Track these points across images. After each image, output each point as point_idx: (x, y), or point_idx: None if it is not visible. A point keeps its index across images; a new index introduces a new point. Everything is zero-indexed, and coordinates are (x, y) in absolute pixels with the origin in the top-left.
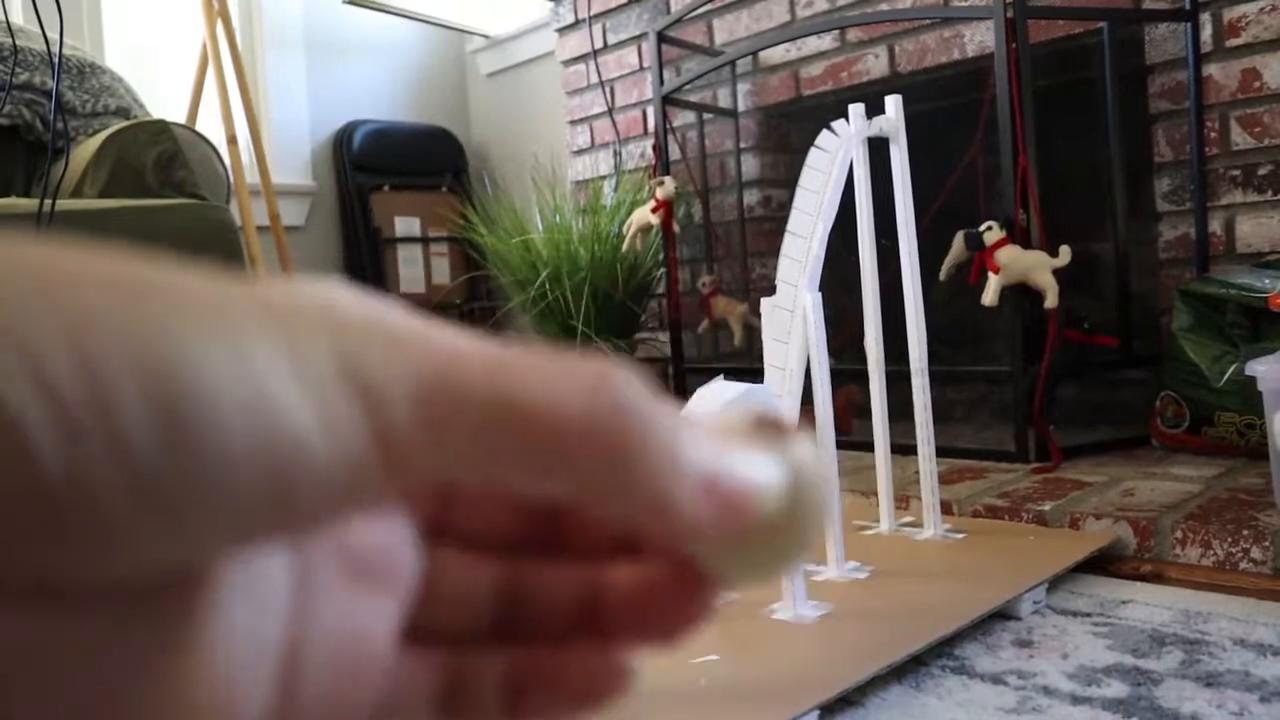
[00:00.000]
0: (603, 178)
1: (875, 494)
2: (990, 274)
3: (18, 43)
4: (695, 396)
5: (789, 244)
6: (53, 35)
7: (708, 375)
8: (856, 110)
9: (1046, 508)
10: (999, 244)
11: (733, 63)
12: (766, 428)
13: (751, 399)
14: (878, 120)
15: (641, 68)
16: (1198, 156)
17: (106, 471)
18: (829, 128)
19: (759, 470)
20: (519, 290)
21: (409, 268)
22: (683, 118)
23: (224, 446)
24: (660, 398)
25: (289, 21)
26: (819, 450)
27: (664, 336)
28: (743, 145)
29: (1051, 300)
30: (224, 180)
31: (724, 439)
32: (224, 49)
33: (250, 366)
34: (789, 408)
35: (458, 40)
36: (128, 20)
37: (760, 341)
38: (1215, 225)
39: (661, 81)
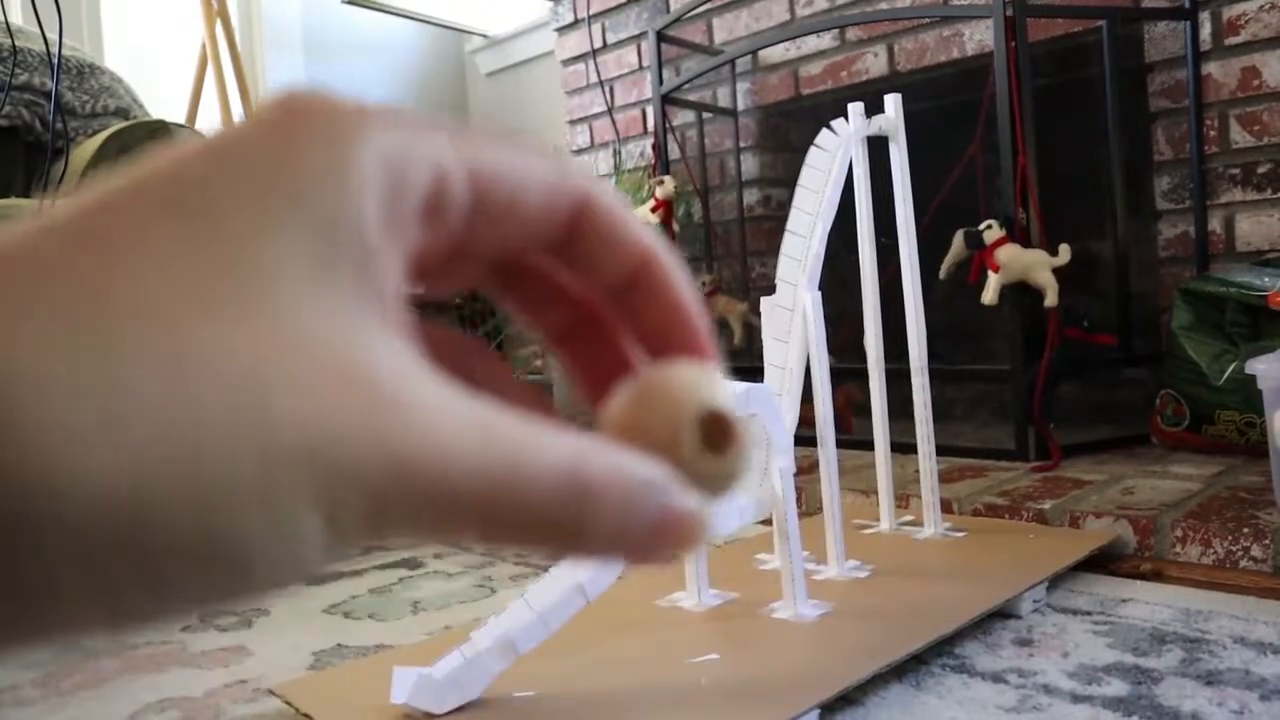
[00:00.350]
0: (603, 177)
1: (875, 493)
2: (990, 272)
3: (17, 43)
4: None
5: (789, 243)
6: (52, 36)
7: None
8: (856, 109)
9: (1046, 506)
10: (999, 242)
11: (732, 62)
12: (716, 412)
13: (751, 399)
14: (877, 119)
15: (641, 67)
16: (1197, 155)
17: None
18: (828, 127)
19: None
20: None
21: None
22: (682, 117)
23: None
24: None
25: (288, 21)
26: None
27: None
28: (742, 144)
29: (1051, 299)
30: None
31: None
32: (223, 49)
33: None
34: (789, 406)
35: (457, 40)
36: (127, 20)
37: (760, 340)
38: (1215, 223)
39: (661, 81)
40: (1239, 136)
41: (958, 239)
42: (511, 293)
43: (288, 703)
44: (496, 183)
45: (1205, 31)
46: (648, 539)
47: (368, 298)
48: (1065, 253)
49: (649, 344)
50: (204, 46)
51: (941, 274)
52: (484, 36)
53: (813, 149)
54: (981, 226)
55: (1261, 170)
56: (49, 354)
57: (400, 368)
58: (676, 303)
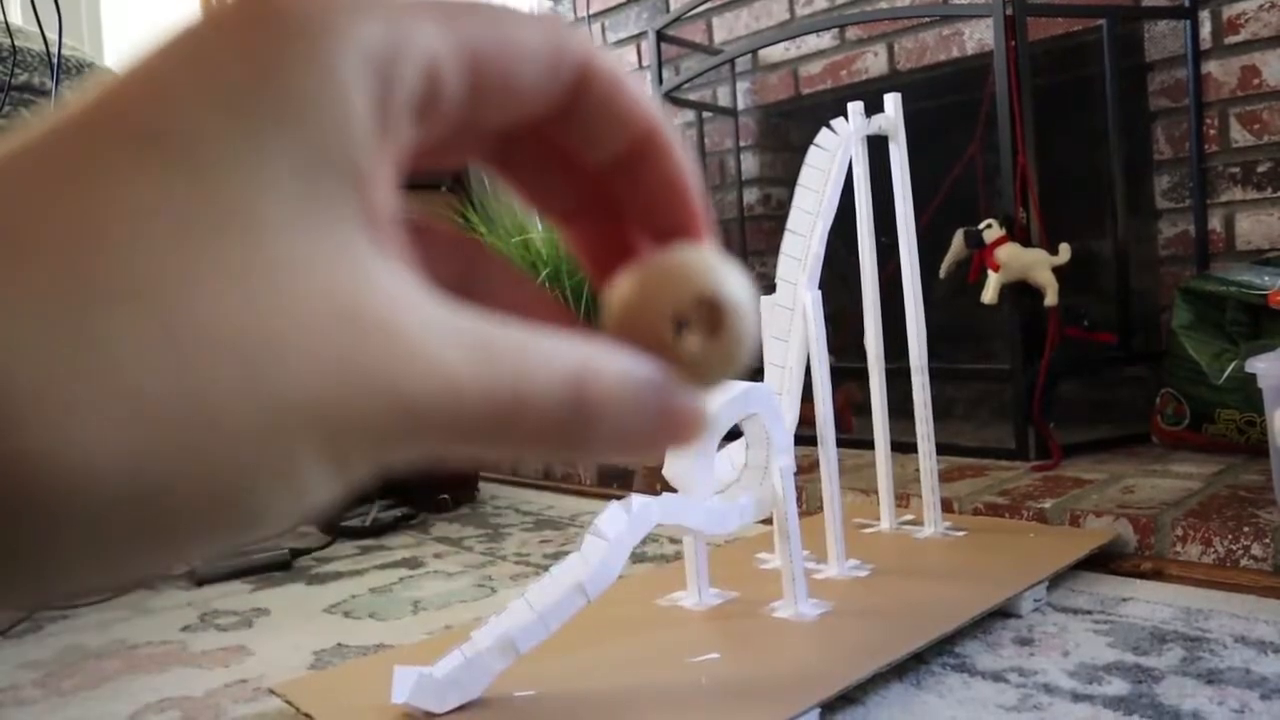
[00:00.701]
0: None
1: (875, 492)
2: (990, 272)
3: (16, 43)
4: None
5: (788, 242)
6: (51, 36)
7: None
8: (855, 108)
9: (1047, 505)
10: (998, 242)
11: (732, 61)
12: (704, 296)
13: (750, 398)
14: (877, 118)
15: (640, 66)
16: (1197, 154)
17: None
18: (828, 126)
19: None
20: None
21: None
22: (682, 116)
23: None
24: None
25: None
26: (737, 273)
27: None
28: (742, 144)
29: (1051, 298)
30: None
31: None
32: None
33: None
34: (789, 405)
35: None
36: (127, 20)
37: (762, 338)
38: (1215, 222)
39: (660, 80)
40: (1239, 135)
41: (957, 238)
42: (512, 168)
43: (288, 702)
44: (493, 62)
45: (1205, 30)
46: (648, 438)
47: (361, 222)
48: (1065, 252)
49: (648, 220)
50: None
51: (941, 273)
52: None
53: (812, 148)
54: (981, 225)
55: (1261, 169)
56: (39, 326)
57: (399, 297)
58: (676, 178)
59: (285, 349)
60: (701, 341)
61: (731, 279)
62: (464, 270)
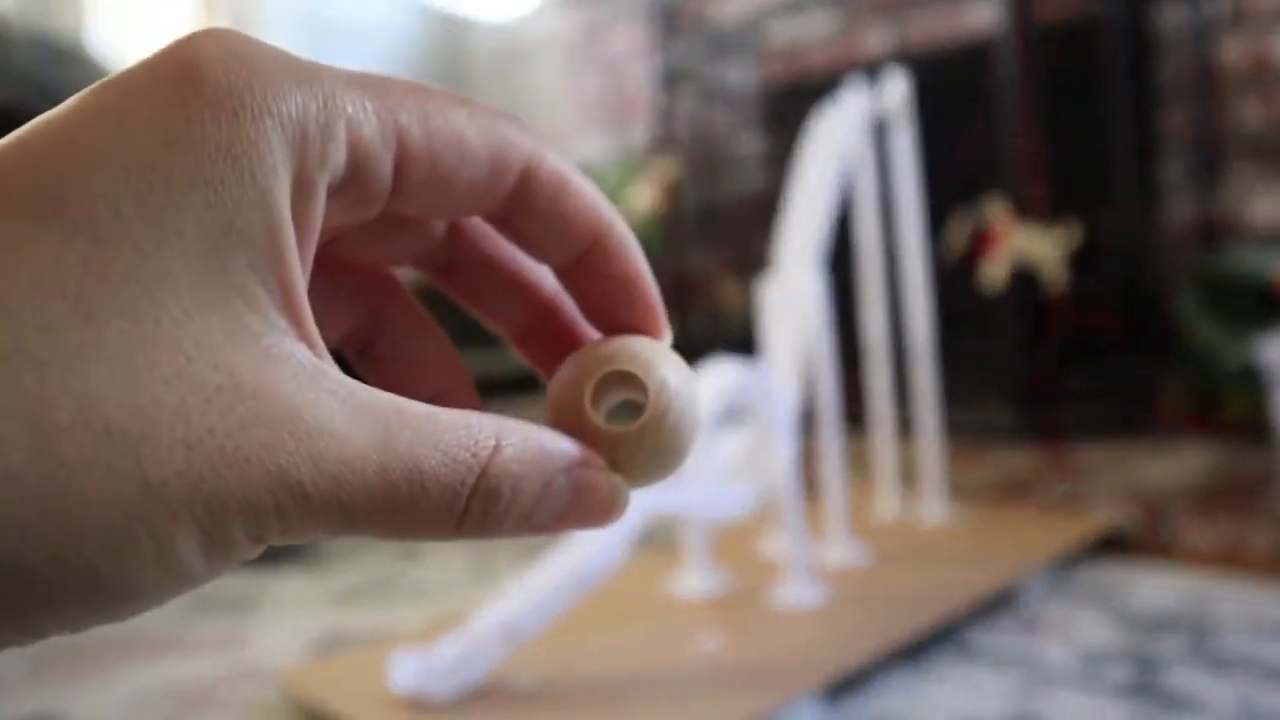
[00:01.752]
0: (605, 159)
1: (879, 477)
2: (996, 254)
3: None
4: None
5: (791, 223)
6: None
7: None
8: (860, 87)
9: (1052, 490)
10: (1004, 224)
11: (736, 41)
12: (625, 374)
13: (751, 381)
14: (882, 96)
15: (644, 47)
16: (1209, 135)
17: None
18: (833, 104)
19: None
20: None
21: None
22: (685, 97)
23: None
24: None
25: (285, 5)
26: (677, 366)
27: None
28: (746, 123)
29: (1057, 281)
30: None
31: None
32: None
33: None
34: (793, 388)
35: (457, 23)
36: (115, 5)
37: (763, 322)
38: (1226, 205)
39: (663, 61)
40: (1251, 117)
41: (963, 219)
42: (459, 282)
43: (289, 690)
44: (427, 150)
45: (1219, 10)
46: (557, 518)
47: (271, 298)
48: (1073, 234)
49: (605, 319)
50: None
51: (946, 254)
52: (485, 21)
53: (816, 127)
54: (987, 206)
55: (1273, 150)
56: None
57: (301, 376)
58: (631, 277)
59: (165, 427)
60: (625, 424)
61: (667, 366)
62: (373, 312)
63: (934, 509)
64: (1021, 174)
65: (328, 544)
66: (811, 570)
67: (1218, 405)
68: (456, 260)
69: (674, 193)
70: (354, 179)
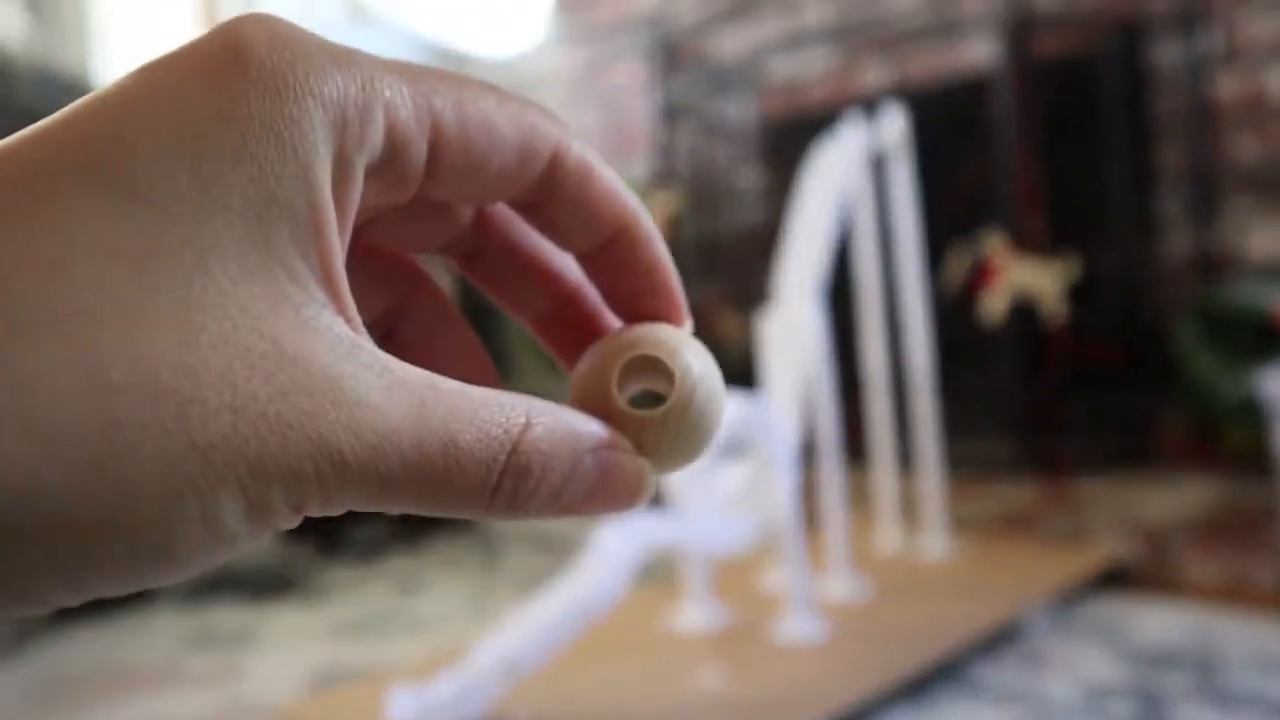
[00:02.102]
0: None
1: (880, 510)
2: (995, 287)
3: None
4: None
5: (791, 257)
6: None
7: None
8: (858, 121)
9: (1054, 523)
10: (1003, 257)
11: (736, 76)
12: (650, 359)
13: (751, 414)
14: (880, 131)
15: (644, 82)
16: (1205, 169)
17: None
18: (832, 138)
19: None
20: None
21: None
22: (685, 132)
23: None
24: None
25: None
26: (700, 355)
27: None
28: (745, 159)
29: (1057, 314)
30: None
31: (607, 391)
32: None
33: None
34: (793, 422)
35: (459, 59)
36: (121, 35)
37: (763, 355)
38: (1224, 238)
39: (664, 96)
40: (1248, 150)
41: (962, 253)
42: (483, 270)
43: None
44: (460, 135)
45: (1214, 45)
46: (585, 498)
47: (311, 270)
48: (1071, 268)
49: (627, 308)
50: None
51: (945, 288)
52: (486, 58)
53: (816, 162)
54: (986, 240)
55: (1271, 184)
56: None
57: (340, 347)
58: (654, 267)
59: (212, 389)
60: (650, 408)
61: (691, 352)
62: (396, 302)
63: (935, 542)
64: (1020, 207)
65: (326, 577)
66: (812, 604)
67: (1218, 438)
68: (482, 247)
69: (674, 226)
70: (390, 161)
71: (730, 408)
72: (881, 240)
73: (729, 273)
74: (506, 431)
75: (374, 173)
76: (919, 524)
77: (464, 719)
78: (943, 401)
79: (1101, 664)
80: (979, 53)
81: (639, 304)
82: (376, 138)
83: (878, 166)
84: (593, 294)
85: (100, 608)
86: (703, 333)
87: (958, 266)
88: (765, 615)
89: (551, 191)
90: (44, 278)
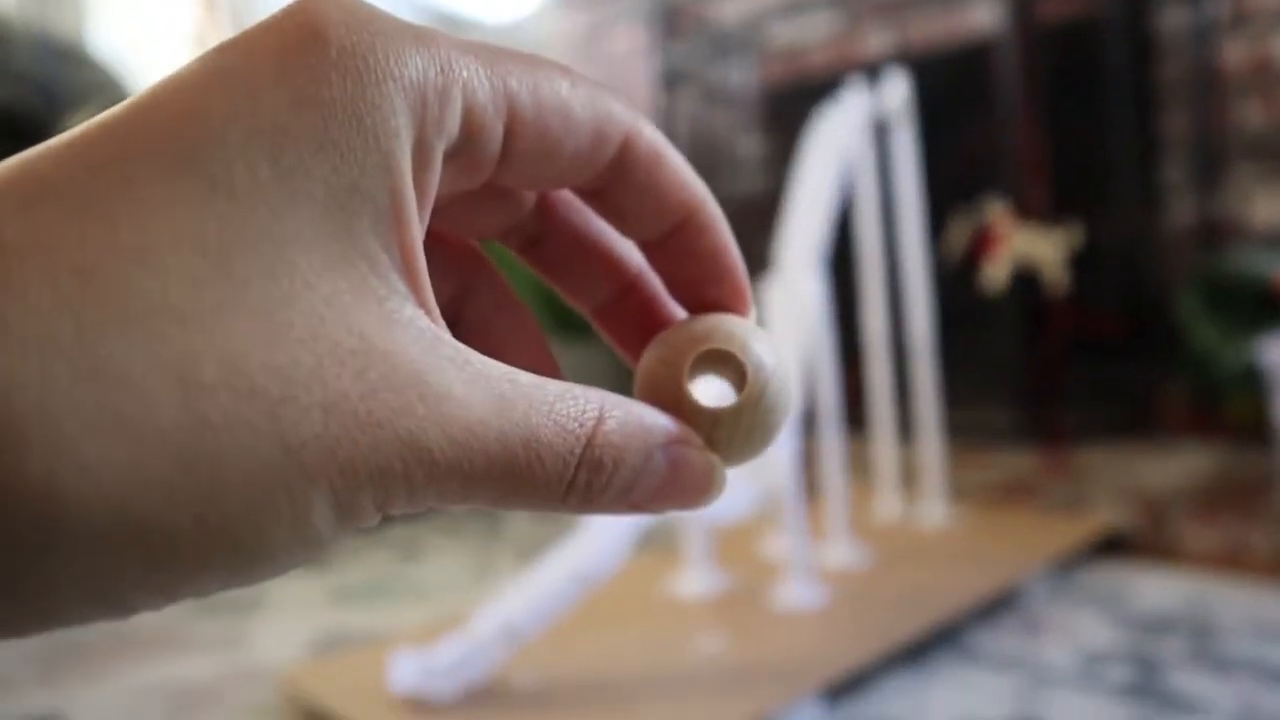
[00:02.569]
0: None
1: (880, 478)
2: (996, 255)
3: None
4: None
5: (792, 225)
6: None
7: None
8: (860, 88)
9: (1053, 492)
10: (1005, 225)
11: (736, 42)
12: (722, 353)
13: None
14: (882, 97)
15: (644, 48)
16: (1211, 136)
17: None
18: (833, 105)
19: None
20: (517, 276)
21: None
22: (685, 98)
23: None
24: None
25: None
26: (774, 345)
27: None
28: (746, 125)
29: (1058, 282)
30: None
31: (678, 384)
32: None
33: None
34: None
35: (457, 24)
36: (118, 6)
37: (764, 323)
38: (1227, 207)
39: (664, 62)
40: (1253, 118)
41: (964, 220)
42: (544, 257)
43: (289, 690)
44: (536, 118)
45: (1220, 11)
46: (657, 493)
47: (394, 261)
48: (1073, 235)
49: (690, 296)
50: (197, 33)
51: (947, 255)
52: (484, 24)
53: (817, 129)
54: (988, 208)
55: (1275, 151)
56: (52, 353)
57: (424, 341)
58: (721, 255)
59: (303, 388)
60: (721, 403)
61: (762, 345)
62: (461, 288)
63: (934, 510)
64: (1022, 175)
65: None
66: (812, 571)
67: (1218, 407)
68: (544, 233)
69: None
70: (466, 146)
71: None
72: (883, 208)
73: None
74: (581, 425)
75: (450, 158)
76: (919, 492)
77: (465, 684)
78: (943, 370)
79: (1099, 630)
80: (982, 18)
81: (704, 292)
82: (455, 121)
83: (879, 133)
84: (654, 282)
85: None
86: None
87: (959, 234)
88: (765, 581)
89: (621, 177)
90: (131, 269)
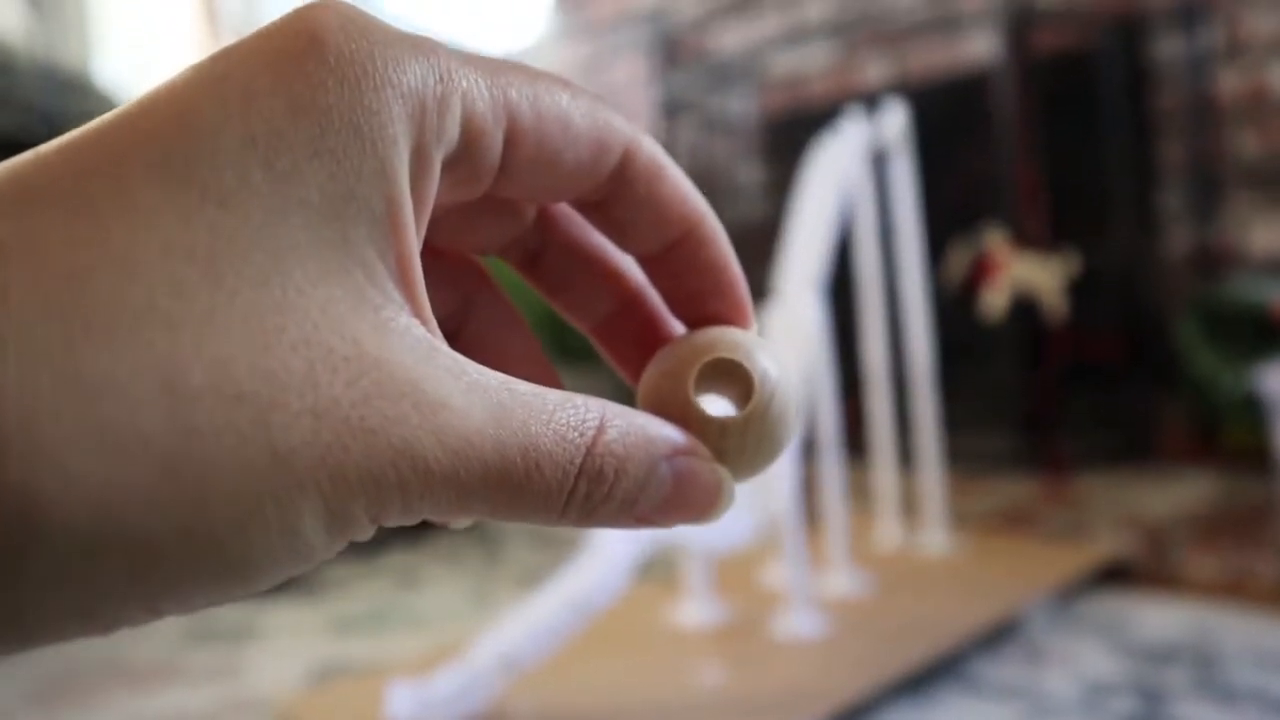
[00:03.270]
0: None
1: (880, 506)
2: (995, 283)
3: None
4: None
5: (791, 253)
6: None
7: None
8: (859, 117)
9: (1054, 519)
10: (1004, 252)
11: (736, 71)
12: (727, 363)
13: None
14: (881, 126)
15: (644, 78)
16: (1208, 164)
17: None
18: (832, 134)
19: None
20: (520, 301)
21: None
22: (685, 127)
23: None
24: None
25: None
26: (780, 357)
27: None
28: (745, 154)
29: (1057, 310)
30: None
31: (684, 395)
32: None
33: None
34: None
35: None
36: (122, 32)
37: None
38: (1226, 234)
39: (664, 91)
40: (1249, 146)
41: (962, 249)
42: (542, 272)
43: None
44: (536, 129)
45: (1216, 41)
46: (662, 506)
47: (390, 270)
48: (1072, 263)
49: (691, 311)
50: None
51: (946, 283)
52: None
53: (816, 157)
54: (986, 236)
55: (1271, 179)
56: (34, 359)
57: (421, 350)
58: (721, 269)
59: (294, 394)
60: (727, 414)
61: (767, 356)
62: (461, 301)
63: (935, 538)
64: (1020, 203)
65: (325, 572)
66: (812, 600)
67: (1218, 434)
68: (544, 248)
69: None
70: (465, 155)
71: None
72: (882, 236)
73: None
74: (582, 434)
75: (449, 167)
76: (919, 520)
77: (463, 715)
78: (943, 397)
79: (1101, 660)
80: (979, 48)
81: (704, 306)
82: (454, 130)
83: (878, 162)
84: (654, 298)
85: None
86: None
87: (958, 262)
88: (765, 611)
89: (621, 190)
90: (119, 276)
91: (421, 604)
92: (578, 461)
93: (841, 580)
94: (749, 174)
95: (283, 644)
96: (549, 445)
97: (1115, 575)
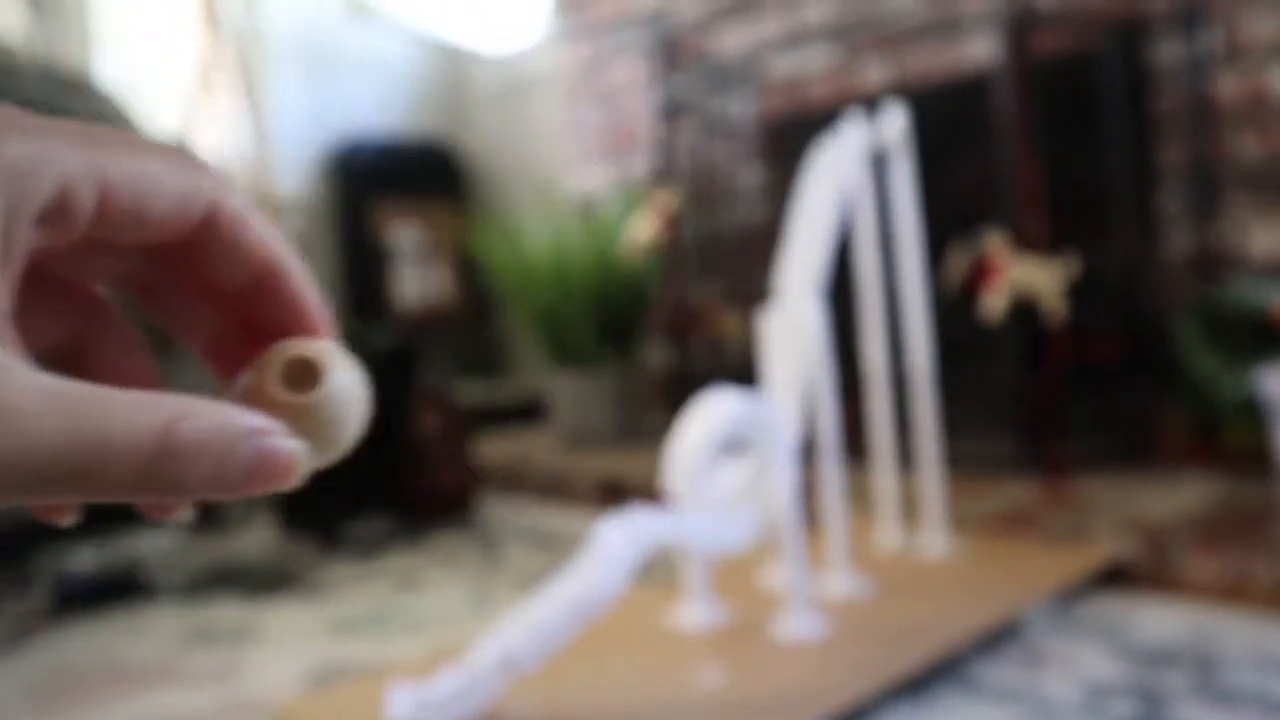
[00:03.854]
0: (606, 191)
1: (880, 508)
2: (995, 286)
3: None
4: (697, 408)
5: (791, 255)
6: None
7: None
8: (858, 119)
9: (1054, 522)
10: (1003, 255)
11: (736, 74)
12: (303, 360)
13: (751, 412)
14: (881, 129)
15: (644, 80)
16: (1208, 167)
17: None
18: (832, 136)
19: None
20: (519, 304)
21: (408, 283)
22: (685, 129)
23: None
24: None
25: (289, 36)
26: (343, 362)
27: (665, 348)
28: (745, 156)
29: (1057, 312)
30: None
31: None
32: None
33: None
34: (794, 420)
35: (459, 55)
36: (123, 36)
37: (763, 353)
38: (1226, 236)
39: (664, 94)
40: (1250, 148)
41: (962, 252)
42: (155, 298)
43: None
44: (125, 188)
45: (1215, 43)
46: (241, 478)
47: None
48: (1072, 266)
49: (277, 332)
50: (201, 61)
51: (945, 287)
52: (486, 54)
53: (815, 160)
54: (986, 238)
55: (1271, 183)
56: None
57: None
58: (299, 299)
59: None
60: (297, 393)
61: (335, 355)
62: (79, 328)
63: (935, 541)
64: (1020, 206)
65: (325, 573)
66: (812, 602)
67: (1218, 437)
68: (155, 282)
69: (674, 224)
70: (61, 209)
71: (731, 405)
72: (882, 238)
73: (729, 271)
74: (162, 422)
75: (46, 218)
76: (919, 522)
77: (463, 716)
78: (943, 399)
79: (1101, 662)
80: (979, 51)
81: (289, 329)
82: (48, 192)
83: (878, 165)
84: (251, 322)
85: (99, 605)
86: (703, 330)
87: (958, 265)
88: (765, 613)
89: (210, 235)
90: None
91: (421, 606)
92: (153, 446)
93: (841, 582)
94: (749, 176)
95: (282, 645)
96: (123, 431)
97: (1115, 577)
